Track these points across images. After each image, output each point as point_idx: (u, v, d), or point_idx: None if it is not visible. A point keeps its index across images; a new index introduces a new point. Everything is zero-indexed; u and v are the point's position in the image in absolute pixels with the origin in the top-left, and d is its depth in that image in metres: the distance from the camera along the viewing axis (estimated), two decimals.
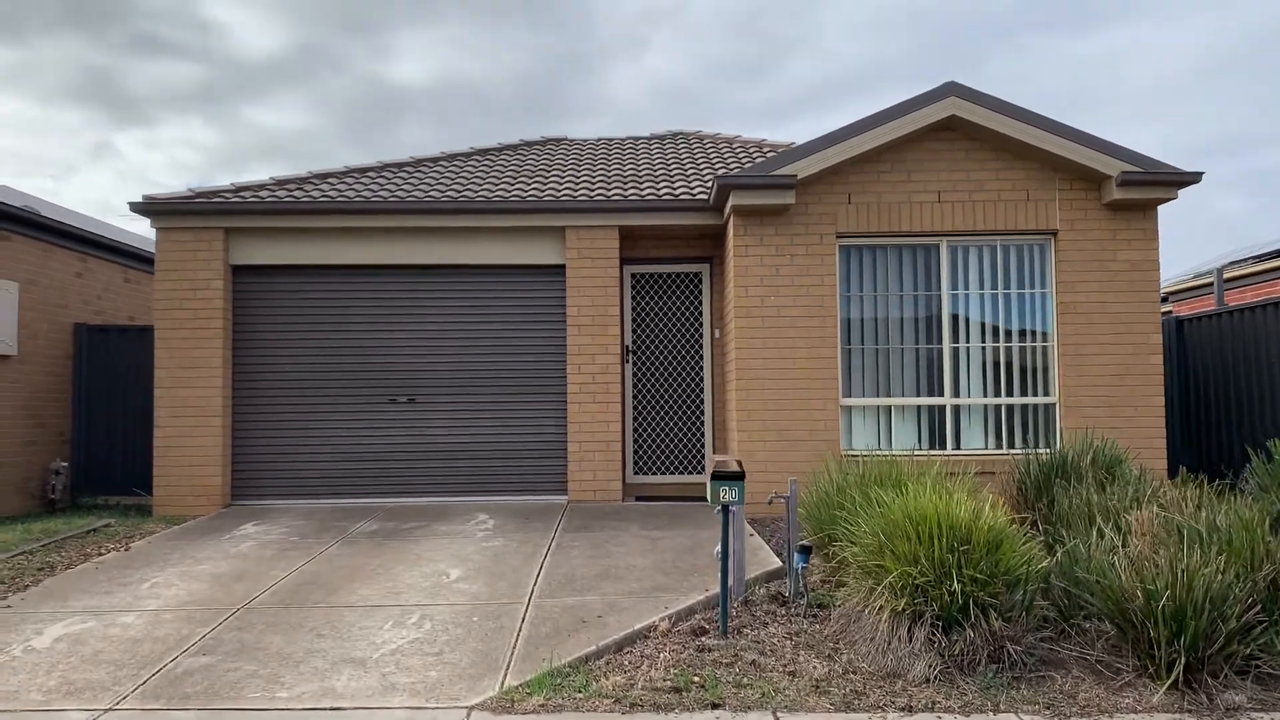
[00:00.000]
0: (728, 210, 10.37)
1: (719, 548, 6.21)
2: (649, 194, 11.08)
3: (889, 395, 10.38)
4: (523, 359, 11.13)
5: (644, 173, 12.25)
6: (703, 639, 5.97)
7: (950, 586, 5.48)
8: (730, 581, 6.27)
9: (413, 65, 77.19)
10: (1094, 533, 6.17)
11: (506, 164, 13.00)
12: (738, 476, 5.99)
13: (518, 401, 11.10)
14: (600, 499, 10.79)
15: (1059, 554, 6.09)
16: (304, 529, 9.43)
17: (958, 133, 10.35)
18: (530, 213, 10.94)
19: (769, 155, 12.59)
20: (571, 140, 14.89)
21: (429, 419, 11.11)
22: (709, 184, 11.37)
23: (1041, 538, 6.60)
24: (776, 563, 7.55)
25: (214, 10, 58.52)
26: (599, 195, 11.05)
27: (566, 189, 11.44)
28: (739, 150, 13.50)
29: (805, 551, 6.46)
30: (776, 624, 6.25)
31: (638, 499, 11.15)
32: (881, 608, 5.66)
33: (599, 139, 14.96)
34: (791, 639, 5.98)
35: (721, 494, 5.96)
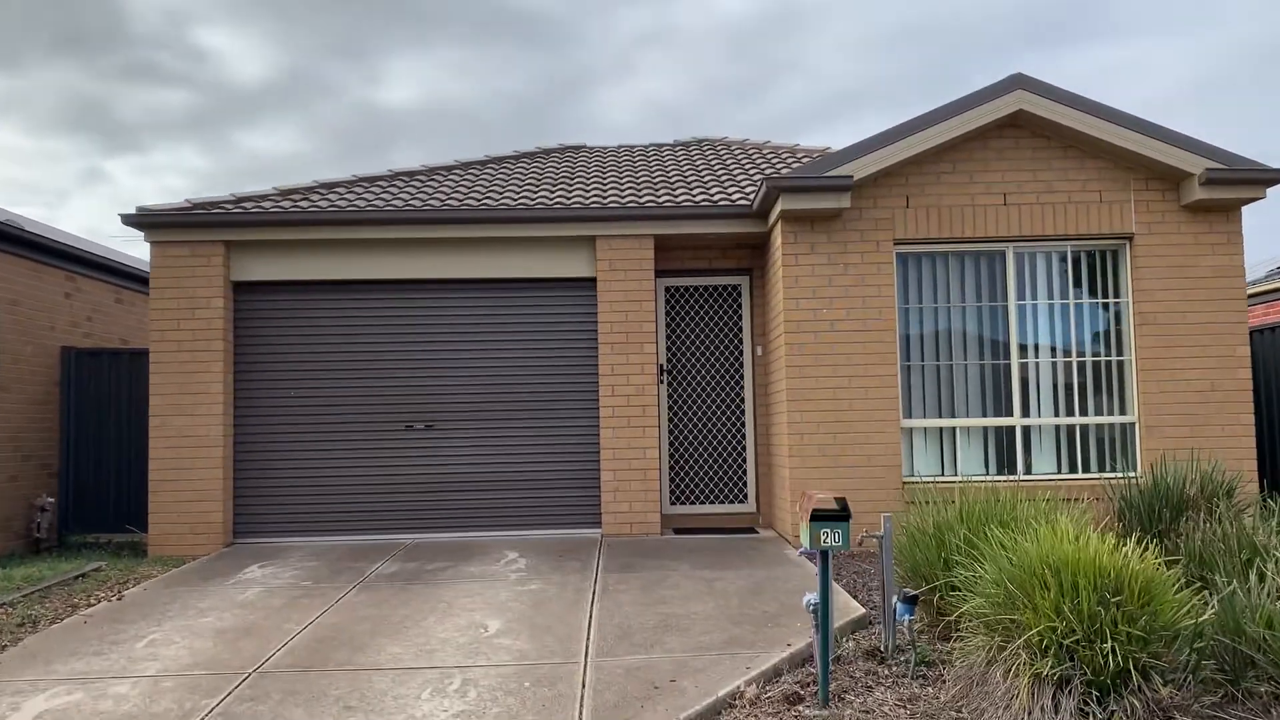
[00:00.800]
0: (774, 216, 9.52)
1: (811, 597, 5.31)
2: (684, 200, 10.22)
3: (953, 416, 9.51)
4: (550, 381, 10.24)
5: (675, 179, 11.40)
6: (799, 708, 5.07)
7: (1104, 645, 4.59)
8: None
9: (404, 90, 76.59)
10: (1252, 575, 5.29)
11: (525, 172, 12.16)
12: (841, 516, 5.11)
13: (545, 427, 10.21)
14: (637, 532, 9.89)
15: (1213, 602, 5.20)
16: (316, 571, 8.51)
17: (1024, 129, 9.52)
18: (558, 221, 10.08)
19: (806, 160, 11.76)
20: (592, 148, 14.06)
21: (448, 447, 10.20)
22: (747, 190, 10.53)
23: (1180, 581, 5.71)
24: (858, 608, 6.65)
25: (206, 37, 57.81)
26: (630, 202, 10.19)
27: (594, 196, 10.57)
28: (771, 156, 12.66)
29: (910, 602, 5.56)
30: (882, 687, 5.35)
31: (675, 531, 10.25)
32: (1017, 671, 4.77)
33: (620, 146, 14.13)
34: (905, 707, 5.07)
35: (823, 537, 5.07)
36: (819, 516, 5.08)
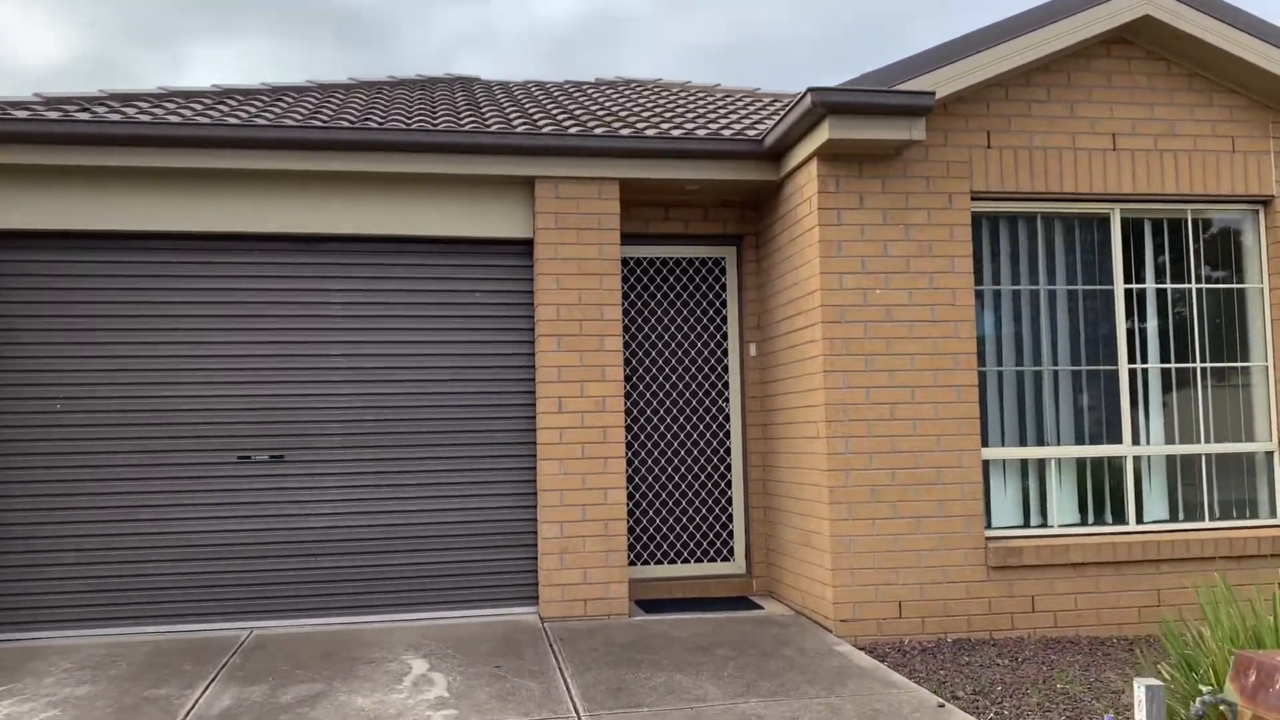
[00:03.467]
0: (803, 155, 6.57)
1: None
2: (663, 134, 7.12)
3: (1041, 443, 6.81)
4: (464, 392, 6.96)
5: (622, 116, 8.26)
6: None
7: None
8: None
9: (210, 78, 70.37)
10: None
11: (409, 100, 8.74)
12: None
13: (455, 459, 6.92)
14: (594, 613, 6.75)
15: None
16: (90, 704, 5.01)
17: (1137, 47, 6.93)
18: (479, 153, 6.81)
19: (774, 105, 8.86)
20: (490, 81, 10.72)
21: (306, 488, 6.78)
22: (723, 126, 7.52)
23: None
24: None
25: None
26: (588, 131, 7.01)
27: (522, 127, 7.33)
28: (728, 101, 9.60)
29: None
30: None
31: (643, 608, 7.17)
32: None
33: (528, 81, 10.85)
34: None
35: None
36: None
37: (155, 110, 6.97)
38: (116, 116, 6.55)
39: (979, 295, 6.81)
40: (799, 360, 6.82)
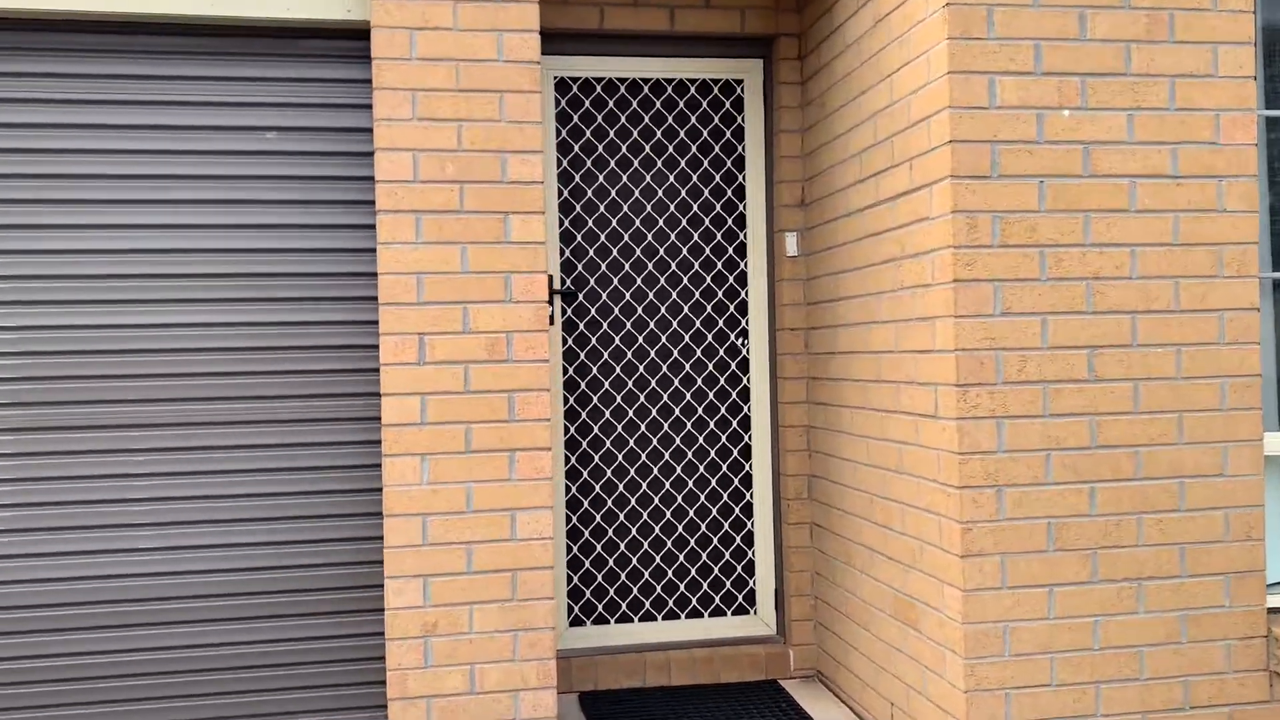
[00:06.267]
0: None
1: None
2: None
3: None
4: (229, 323, 3.60)
5: None
6: None
7: None
8: None
9: None
10: None
11: None
12: None
13: (225, 451, 3.59)
14: None
15: None
16: None
17: None
18: None
19: None
20: None
21: None
22: None
23: None
24: None
25: None
26: None
27: None
28: None
29: None
30: None
31: (588, 702, 3.95)
32: None
33: None
34: None
35: None
36: None
37: None
38: None
39: (1268, 126, 3.46)
40: (893, 261, 3.48)
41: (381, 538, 3.57)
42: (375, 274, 3.59)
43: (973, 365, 3.07)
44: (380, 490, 3.59)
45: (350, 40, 3.64)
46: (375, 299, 3.60)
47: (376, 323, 3.60)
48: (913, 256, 3.31)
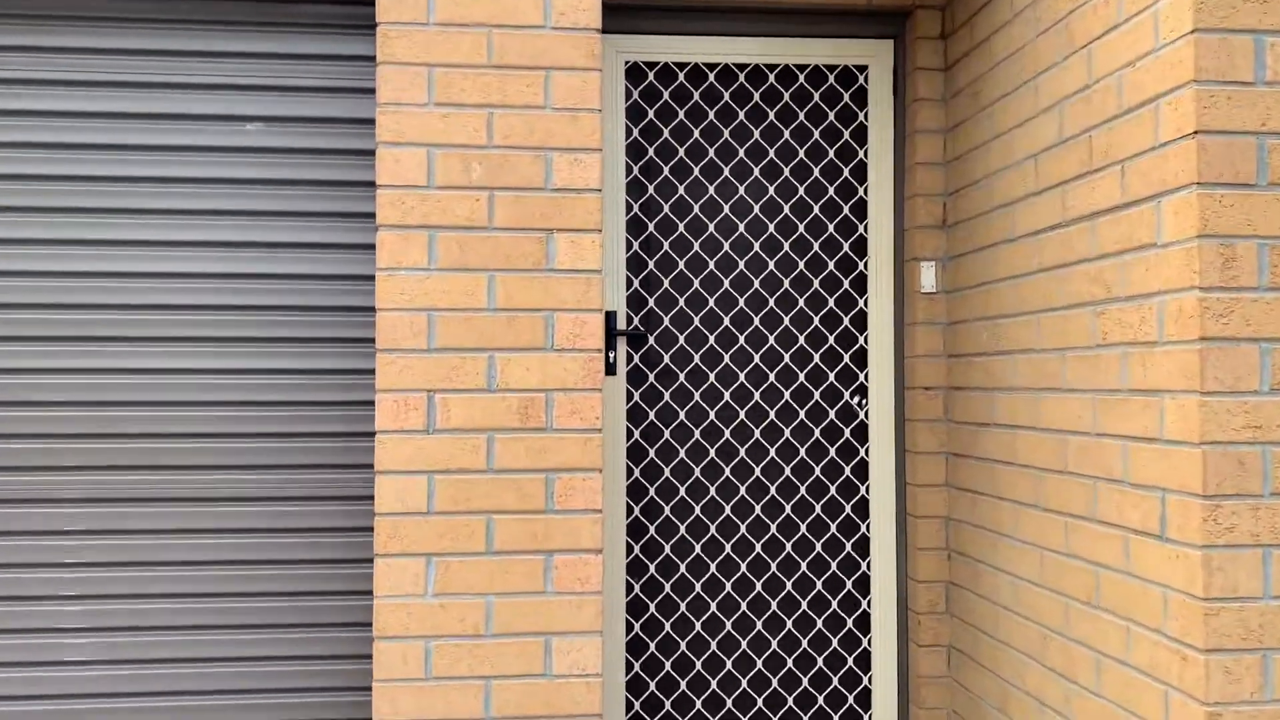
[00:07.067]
0: None
1: None
2: None
3: None
4: (184, 368, 2.76)
5: None
6: None
7: None
8: None
9: None
10: None
11: None
12: None
13: (149, 536, 2.75)
14: None
15: None
16: None
17: None
18: None
19: None
20: None
21: None
22: None
23: None
24: None
25: None
26: None
27: None
28: None
29: None
30: None
31: None
32: None
33: None
34: None
35: None
36: None
37: None
38: None
39: None
40: (1089, 305, 2.46)
41: (370, 655, 2.67)
42: (372, 308, 2.72)
43: (1228, 467, 2.03)
44: (368, 599, 2.69)
45: (358, 5, 2.78)
46: (373, 340, 2.72)
47: (373, 371, 2.72)
48: (1125, 300, 2.29)
